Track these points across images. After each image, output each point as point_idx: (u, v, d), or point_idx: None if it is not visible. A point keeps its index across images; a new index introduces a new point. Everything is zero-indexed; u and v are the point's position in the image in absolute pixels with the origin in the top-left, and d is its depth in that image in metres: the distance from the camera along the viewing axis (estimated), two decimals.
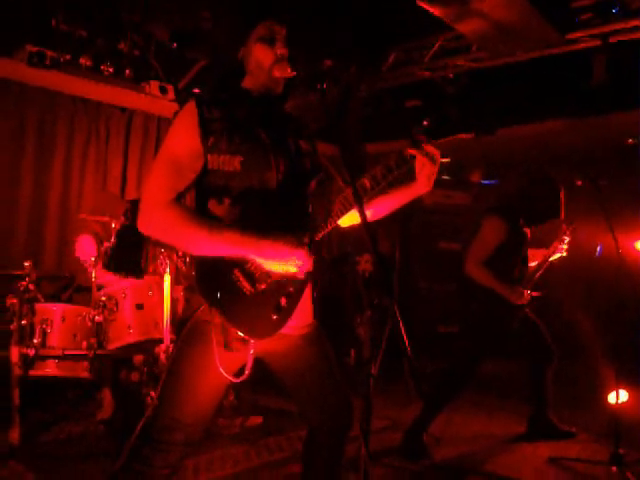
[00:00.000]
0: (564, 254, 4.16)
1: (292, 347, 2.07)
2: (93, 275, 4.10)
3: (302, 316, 2.06)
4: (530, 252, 4.17)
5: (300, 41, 2.14)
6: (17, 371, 3.73)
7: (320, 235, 1.96)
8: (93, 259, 4.15)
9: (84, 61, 5.43)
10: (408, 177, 2.07)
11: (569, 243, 4.16)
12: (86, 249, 4.62)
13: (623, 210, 4.46)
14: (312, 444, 2.26)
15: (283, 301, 1.92)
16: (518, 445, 4.26)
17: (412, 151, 1.96)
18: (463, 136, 1.98)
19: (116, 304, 4.05)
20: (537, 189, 4.08)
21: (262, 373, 2.07)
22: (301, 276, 1.90)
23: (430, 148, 1.96)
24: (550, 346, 4.20)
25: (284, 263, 1.85)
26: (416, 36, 6.70)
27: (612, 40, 5.49)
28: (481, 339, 4.01)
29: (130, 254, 4.82)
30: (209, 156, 1.91)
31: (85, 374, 4.05)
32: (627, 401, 4.15)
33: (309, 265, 1.88)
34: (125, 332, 4.01)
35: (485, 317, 3.99)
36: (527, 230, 4.11)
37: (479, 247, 3.98)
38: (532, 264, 4.17)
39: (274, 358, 2.11)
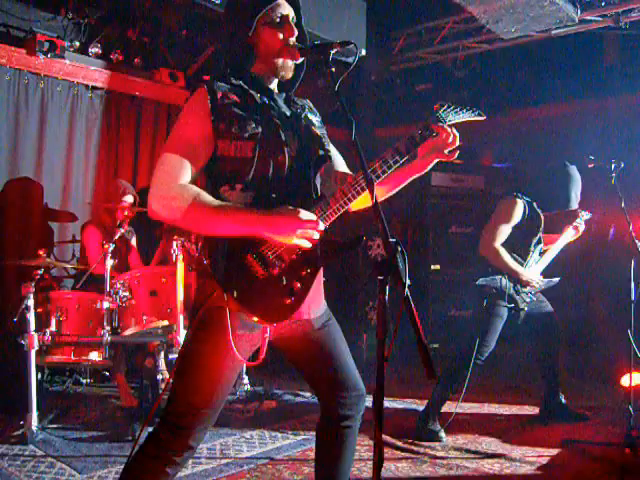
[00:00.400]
0: (578, 236, 4.17)
1: (304, 331, 2.08)
2: (107, 262, 4.12)
3: (314, 300, 2.06)
4: (545, 236, 4.15)
5: (309, 25, 2.13)
6: (34, 357, 3.78)
7: (331, 219, 1.95)
8: (106, 246, 4.18)
9: (94, 49, 5.45)
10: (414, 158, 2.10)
11: (584, 231, 4.17)
12: (92, 240, 4.66)
13: (636, 192, 4.43)
14: (325, 429, 2.27)
15: (296, 285, 1.93)
16: (532, 428, 4.27)
17: (436, 127, 1.97)
18: (475, 118, 2.01)
19: (130, 291, 4.09)
20: (550, 177, 4.07)
21: (275, 357, 2.08)
22: (314, 242, 1.90)
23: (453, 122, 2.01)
24: (559, 328, 4.21)
25: (295, 235, 1.84)
26: (426, 19, 6.65)
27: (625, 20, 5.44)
28: (493, 320, 3.99)
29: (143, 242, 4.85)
30: (220, 142, 1.91)
31: (100, 360, 4.10)
32: None
33: (319, 233, 1.87)
34: (139, 319, 4.05)
35: (499, 298, 3.97)
36: (543, 214, 4.09)
37: (495, 228, 3.97)
38: (546, 247, 4.16)
39: (286, 342, 2.12)
